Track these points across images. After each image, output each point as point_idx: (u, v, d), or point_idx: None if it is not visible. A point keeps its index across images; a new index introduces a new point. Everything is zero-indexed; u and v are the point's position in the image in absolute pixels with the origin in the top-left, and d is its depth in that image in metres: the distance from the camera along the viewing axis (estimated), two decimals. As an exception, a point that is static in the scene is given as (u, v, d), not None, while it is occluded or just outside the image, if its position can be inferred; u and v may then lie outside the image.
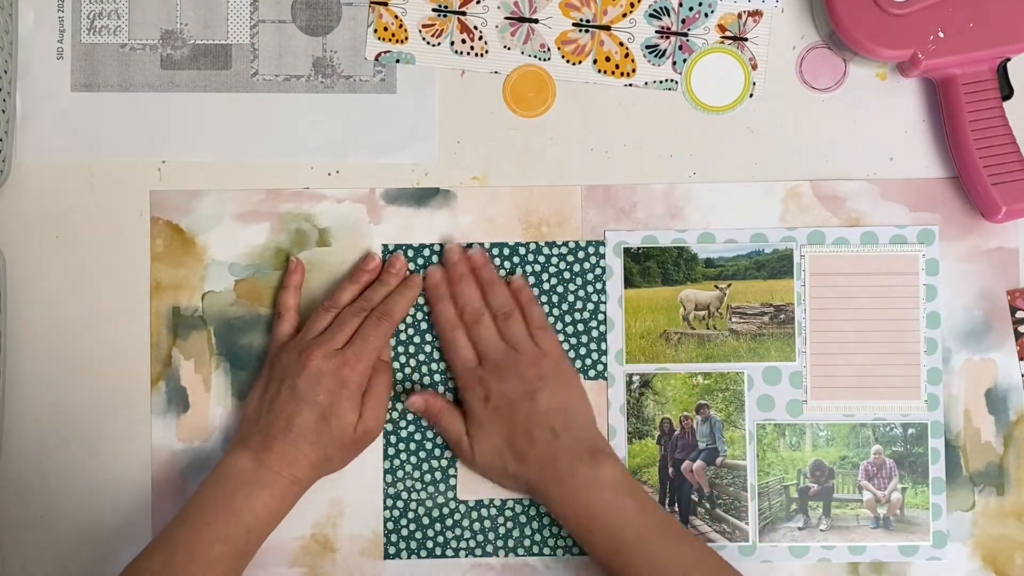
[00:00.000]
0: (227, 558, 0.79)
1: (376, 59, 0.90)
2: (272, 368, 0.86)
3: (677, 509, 0.89)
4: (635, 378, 0.89)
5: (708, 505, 0.89)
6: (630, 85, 0.90)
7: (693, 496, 0.89)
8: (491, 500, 0.89)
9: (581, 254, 0.89)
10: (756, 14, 0.89)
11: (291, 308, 0.88)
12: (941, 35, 0.84)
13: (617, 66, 0.90)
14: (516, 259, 0.90)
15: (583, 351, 0.89)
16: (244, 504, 0.80)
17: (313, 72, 0.90)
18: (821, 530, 0.88)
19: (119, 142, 0.90)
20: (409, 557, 0.89)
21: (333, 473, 0.86)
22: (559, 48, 0.90)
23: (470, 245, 0.89)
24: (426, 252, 0.90)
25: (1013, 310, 0.88)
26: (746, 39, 0.90)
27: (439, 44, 0.90)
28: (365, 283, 0.88)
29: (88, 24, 0.91)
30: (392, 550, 0.89)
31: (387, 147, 0.90)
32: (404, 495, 0.89)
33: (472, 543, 0.89)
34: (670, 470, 0.89)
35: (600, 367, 0.89)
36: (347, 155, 0.90)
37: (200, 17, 0.91)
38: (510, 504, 0.89)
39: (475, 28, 0.90)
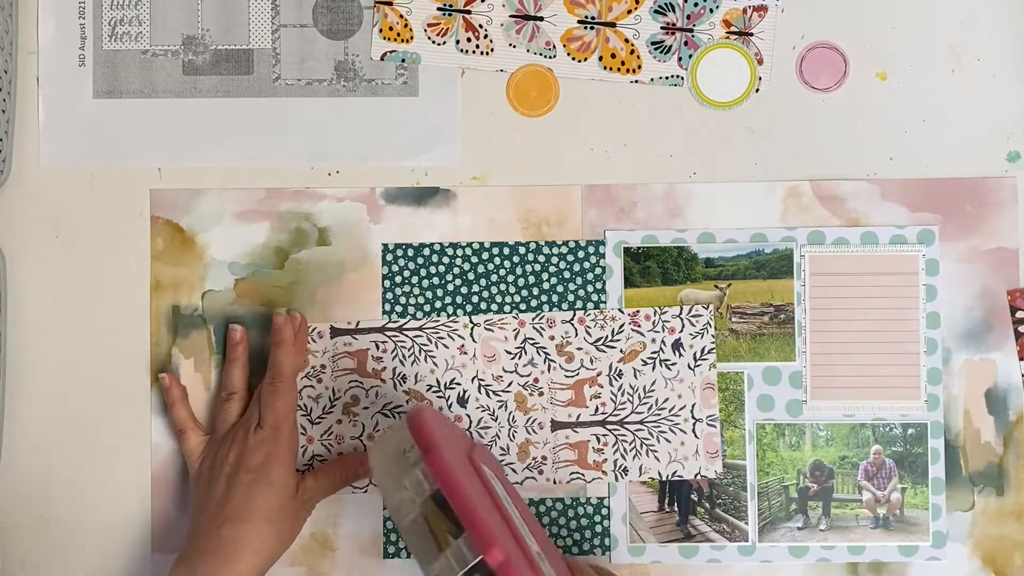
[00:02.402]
0: None
1: (382, 58, 0.90)
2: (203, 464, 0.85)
3: (677, 509, 0.89)
4: (635, 378, 0.89)
5: (708, 505, 0.89)
6: (636, 82, 0.90)
7: (693, 496, 0.89)
8: (491, 499, 0.89)
9: (581, 254, 0.89)
10: (761, 9, 0.89)
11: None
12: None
13: (623, 63, 0.90)
14: (516, 259, 0.89)
15: (583, 351, 0.89)
16: None
17: (335, 76, 0.90)
18: (821, 530, 0.88)
19: (141, 149, 0.90)
20: (408, 556, 0.89)
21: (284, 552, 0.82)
22: (564, 45, 0.90)
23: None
24: (426, 251, 0.90)
25: (1013, 310, 0.89)
26: (751, 34, 0.90)
27: (444, 43, 0.90)
28: (244, 356, 0.88)
29: (110, 31, 0.90)
30: (392, 549, 0.89)
31: (410, 150, 0.90)
32: (404, 494, 0.89)
33: (472, 542, 0.89)
34: (670, 470, 0.89)
35: (600, 367, 0.89)
36: (370, 159, 0.90)
37: (221, 22, 0.90)
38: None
39: (480, 27, 0.90)
